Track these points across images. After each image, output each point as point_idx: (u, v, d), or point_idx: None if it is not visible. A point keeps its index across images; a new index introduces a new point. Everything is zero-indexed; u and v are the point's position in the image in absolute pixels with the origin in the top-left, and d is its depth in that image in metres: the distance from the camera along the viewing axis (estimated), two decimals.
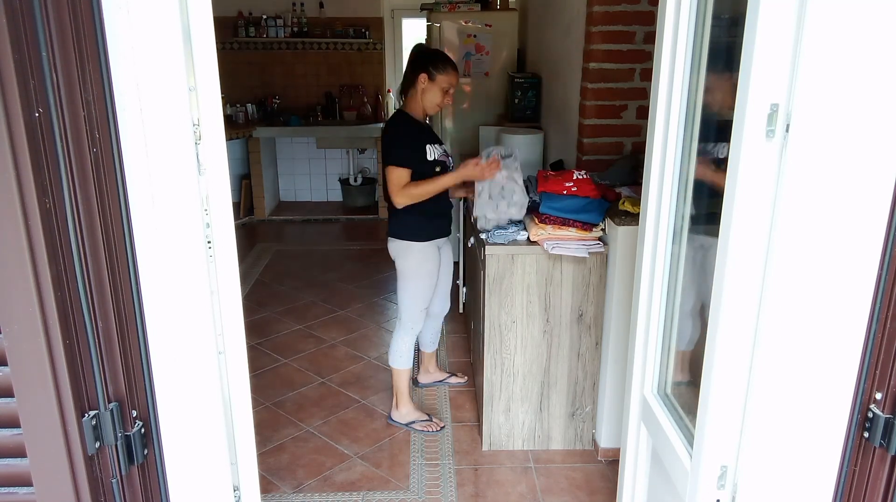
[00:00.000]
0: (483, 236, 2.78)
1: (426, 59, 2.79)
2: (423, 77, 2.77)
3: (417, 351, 3.46)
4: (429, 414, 3.18)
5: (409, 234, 2.87)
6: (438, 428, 3.10)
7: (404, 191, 2.73)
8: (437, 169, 2.82)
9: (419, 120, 2.85)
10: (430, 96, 2.79)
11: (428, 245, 2.90)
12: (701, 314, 1.67)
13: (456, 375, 3.56)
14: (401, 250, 2.91)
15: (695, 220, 1.67)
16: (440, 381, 3.52)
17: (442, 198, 2.89)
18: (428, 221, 2.88)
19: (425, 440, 3.04)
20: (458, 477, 2.79)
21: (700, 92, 1.59)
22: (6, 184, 0.93)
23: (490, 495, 2.69)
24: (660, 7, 1.63)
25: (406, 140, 2.77)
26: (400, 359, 3.05)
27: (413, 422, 3.12)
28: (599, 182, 2.90)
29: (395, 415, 3.16)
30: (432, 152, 2.81)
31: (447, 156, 2.91)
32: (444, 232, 2.98)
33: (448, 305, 3.29)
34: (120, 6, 1.06)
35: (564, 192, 2.70)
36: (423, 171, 2.77)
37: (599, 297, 2.78)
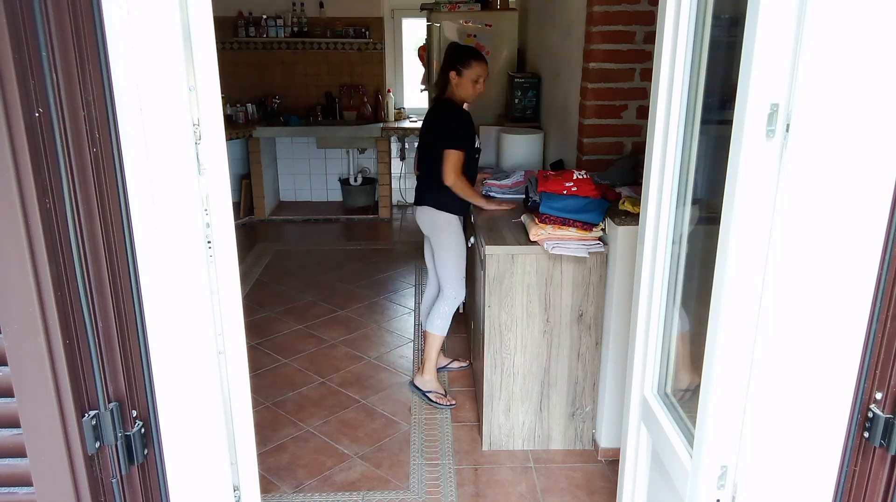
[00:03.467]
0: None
1: (453, 57, 3.13)
2: (452, 74, 3.11)
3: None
4: (445, 390, 3.35)
5: (449, 206, 3.15)
6: (449, 404, 3.26)
7: (459, 179, 3.05)
8: (476, 156, 3.23)
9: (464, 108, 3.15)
10: (462, 90, 3.13)
11: (457, 218, 3.20)
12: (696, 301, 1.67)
13: (457, 359, 3.70)
14: (439, 221, 3.18)
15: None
16: (444, 367, 3.62)
17: (472, 179, 3.21)
18: (461, 197, 3.15)
19: (425, 440, 3.04)
20: (458, 477, 2.79)
21: (700, 92, 1.59)
22: (6, 184, 0.93)
23: (490, 495, 2.69)
24: (660, 7, 1.63)
25: (464, 125, 3.08)
26: (436, 324, 3.26)
27: (430, 392, 3.30)
28: (599, 182, 2.90)
29: (418, 381, 3.35)
30: (477, 140, 3.19)
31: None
32: (467, 208, 3.26)
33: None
34: (120, 6, 1.06)
35: (564, 192, 2.71)
36: (468, 156, 3.10)
37: (599, 297, 2.78)
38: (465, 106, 3.18)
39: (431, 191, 3.18)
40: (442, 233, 3.20)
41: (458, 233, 3.21)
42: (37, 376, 1.01)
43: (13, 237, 0.95)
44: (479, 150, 3.26)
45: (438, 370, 3.56)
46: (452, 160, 3.02)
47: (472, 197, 3.14)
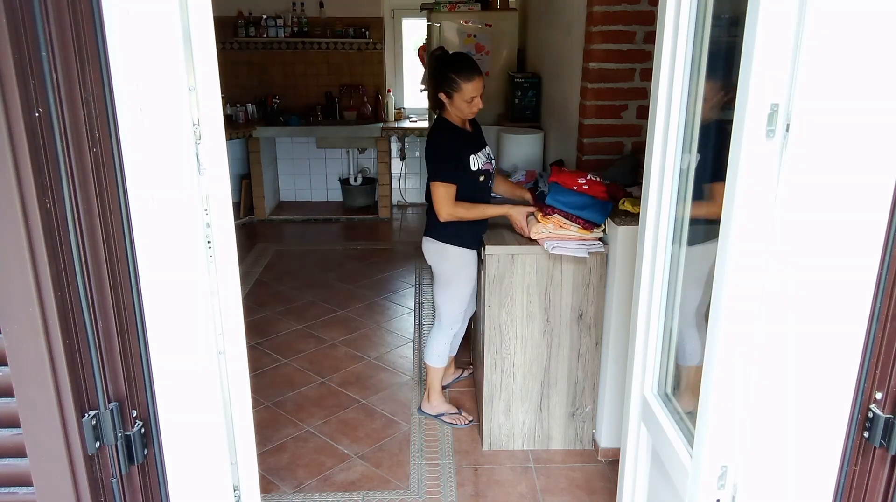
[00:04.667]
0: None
1: (440, 76, 2.76)
2: (442, 96, 2.77)
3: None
4: (458, 408, 3.21)
5: (450, 238, 2.85)
6: (467, 422, 3.15)
7: (452, 209, 2.74)
8: (482, 178, 2.82)
9: (459, 127, 2.82)
10: (457, 111, 2.78)
11: (468, 251, 2.89)
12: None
13: (468, 367, 3.62)
14: (440, 253, 2.89)
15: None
16: (458, 378, 3.56)
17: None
18: (471, 228, 2.84)
19: (425, 440, 3.04)
20: (458, 477, 2.79)
21: (700, 92, 1.59)
22: (6, 184, 0.93)
23: (490, 495, 2.69)
24: (660, 7, 1.63)
25: (448, 154, 2.76)
26: (438, 358, 3.09)
27: (442, 415, 3.18)
28: (609, 183, 2.88)
29: (426, 407, 3.22)
30: (475, 162, 2.79)
31: (490, 161, 2.89)
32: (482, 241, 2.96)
33: (475, 306, 3.25)
34: (120, 6, 1.06)
35: (574, 188, 2.69)
36: (467, 182, 2.77)
37: (599, 297, 2.78)
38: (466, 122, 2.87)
39: (436, 222, 2.84)
40: (444, 264, 2.91)
41: (465, 267, 2.90)
42: (37, 376, 1.01)
43: (13, 237, 0.95)
44: (484, 173, 2.83)
45: (455, 381, 3.52)
46: (440, 194, 2.72)
47: (481, 215, 2.81)
